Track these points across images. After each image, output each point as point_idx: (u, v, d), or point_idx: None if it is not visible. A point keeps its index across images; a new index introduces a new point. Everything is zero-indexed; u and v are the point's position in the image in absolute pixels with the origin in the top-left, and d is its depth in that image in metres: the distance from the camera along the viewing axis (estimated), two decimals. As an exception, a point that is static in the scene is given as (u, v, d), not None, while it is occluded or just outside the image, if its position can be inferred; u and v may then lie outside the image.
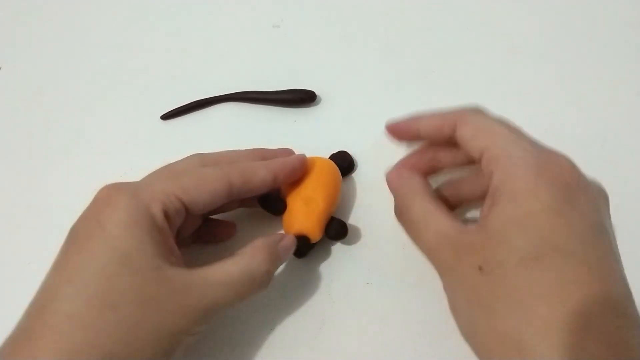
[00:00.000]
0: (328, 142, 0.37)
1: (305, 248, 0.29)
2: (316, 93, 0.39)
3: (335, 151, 0.35)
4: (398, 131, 0.29)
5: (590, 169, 0.35)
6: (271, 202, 0.30)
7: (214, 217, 0.32)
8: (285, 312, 0.30)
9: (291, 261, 0.31)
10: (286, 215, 0.30)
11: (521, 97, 0.39)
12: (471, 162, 0.28)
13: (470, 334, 0.22)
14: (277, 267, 0.27)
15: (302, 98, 0.38)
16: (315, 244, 0.30)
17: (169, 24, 0.46)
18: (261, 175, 0.27)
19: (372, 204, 0.34)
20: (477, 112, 0.26)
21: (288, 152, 0.32)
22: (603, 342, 0.19)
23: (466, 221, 0.29)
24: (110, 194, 0.24)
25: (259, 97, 0.39)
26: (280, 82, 0.39)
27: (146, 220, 0.23)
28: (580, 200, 0.21)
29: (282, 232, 0.30)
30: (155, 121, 0.39)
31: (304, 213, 0.29)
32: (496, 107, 0.38)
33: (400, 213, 0.27)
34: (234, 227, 0.32)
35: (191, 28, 0.45)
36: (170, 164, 0.28)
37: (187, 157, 0.29)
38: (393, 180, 0.28)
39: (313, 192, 0.29)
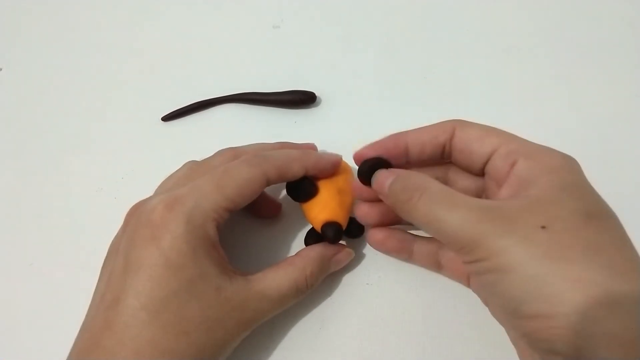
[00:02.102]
0: (328, 143, 0.37)
1: (338, 234, 0.28)
2: (316, 94, 0.39)
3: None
4: (386, 147, 0.27)
5: (590, 169, 0.35)
6: (304, 185, 0.29)
7: None
8: (285, 312, 0.30)
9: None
10: (317, 201, 0.29)
11: (521, 98, 0.39)
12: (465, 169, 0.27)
13: (535, 291, 0.20)
14: (323, 278, 0.29)
15: (302, 99, 0.39)
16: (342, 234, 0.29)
17: (169, 25, 0.46)
18: (295, 170, 0.28)
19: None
20: (468, 121, 0.26)
21: (312, 147, 0.33)
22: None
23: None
24: (167, 217, 0.24)
25: (259, 98, 0.39)
26: (281, 83, 0.40)
27: (204, 243, 0.24)
28: (584, 183, 0.23)
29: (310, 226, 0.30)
30: (156, 122, 0.39)
31: (338, 201, 0.29)
32: (496, 108, 0.39)
33: (414, 201, 0.23)
34: (280, 207, 0.33)
35: (191, 29, 0.45)
36: (204, 161, 0.29)
37: (222, 152, 0.30)
38: (388, 177, 0.25)
39: (345, 186, 0.29)
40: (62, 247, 0.34)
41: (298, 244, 0.32)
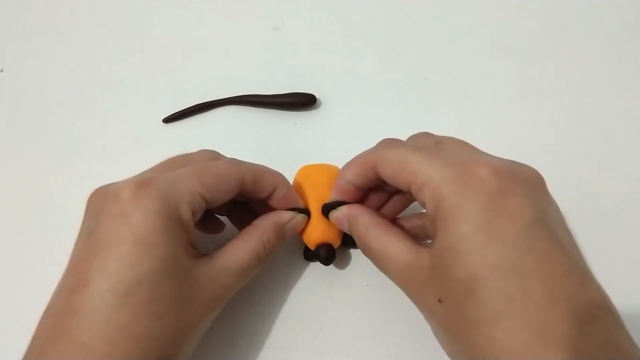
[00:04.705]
0: (328, 145, 0.37)
1: (332, 256, 0.29)
2: (316, 96, 0.39)
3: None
4: (347, 196, 0.28)
5: (590, 169, 0.35)
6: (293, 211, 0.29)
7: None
8: (285, 313, 0.30)
9: (292, 263, 0.32)
10: (307, 224, 0.29)
11: (521, 98, 0.39)
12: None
13: None
14: (281, 244, 0.28)
15: (302, 101, 0.39)
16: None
17: (170, 27, 0.46)
18: (268, 182, 0.27)
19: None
20: (391, 146, 0.26)
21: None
22: (567, 344, 0.18)
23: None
24: (137, 193, 0.22)
25: (260, 100, 0.39)
26: (281, 86, 0.40)
27: (177, 223, 0.23)
28: (509, 204, 0.21)
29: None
30: (157, 124, 0.40)
31: (326, 222, 0.29)
32: (496, 108, 0.39)
33: (365, 252, 0.26)
34: (224, 225, 0.32)
35: (192, 32, 0.46)
36: (186, 155, 0.28)
37: (205, 150, 0.29)
38: (342, 222, 0.28)
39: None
40: (63, 248, 0.34)
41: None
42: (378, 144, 0.27)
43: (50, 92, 0.43)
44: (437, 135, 0.27)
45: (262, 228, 0.27)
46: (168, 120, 0.40)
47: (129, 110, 0.41)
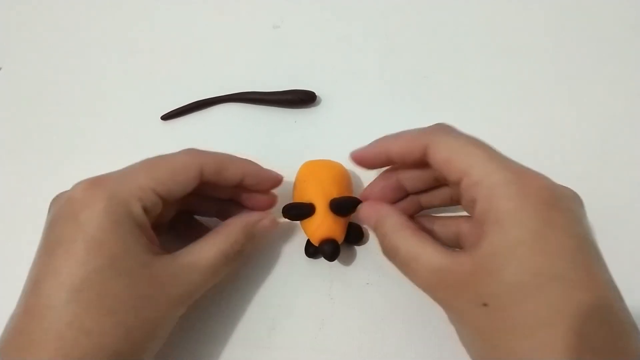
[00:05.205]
0: (328, 143, 0.37)
1: (337, 252, 0.29)
2: (316, 93, 0.39)
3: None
4: (366, 159, 0.27)
5: (590, 169, 0.35)
6: (299, 207, 0.29)
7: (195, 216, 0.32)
8: (285, 312, 0.30)
9: (292, 261, 0.32)
10: (312, 220, 0.29)
11: (521, 98, 0.39)
12: (440, 182, 0.27)
13: None
14: (251, 245, 0.28)
15: (302, 99, 0.38)
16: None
17: (169, 24, 0.46)
18: (232, 170, 0.27)
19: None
20: (447, 132, 0.25)
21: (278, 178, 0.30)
22: (601, 356, 0.19)
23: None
24: (87, 193, 0.23)
25: (259, 97, 0.39)
26: (281, 83, 0.40)
27: (127, 220, 0.23)
28: (561, 217, 0.21)
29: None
30: (155, 121, 0.39)
31: (332, 217, 0.29)
32: (496, 107, 0.39)
33: (389, 254, 0.26)
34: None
35: (191, 28, 0.45)
36: (166, 155, 0.28)
37: (186, 150, 0.28)
38: (370, 218, 0.27)
39: (339, 194, 0.29)
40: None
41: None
42: (430, 126, 0.26)
43: (49, 89, 0.42)
44: None
45: (231, 227, 0.27)
46: (167, 117, 0.39)
47: (128, 107, 0.41)
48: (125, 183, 0.24)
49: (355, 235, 0.31)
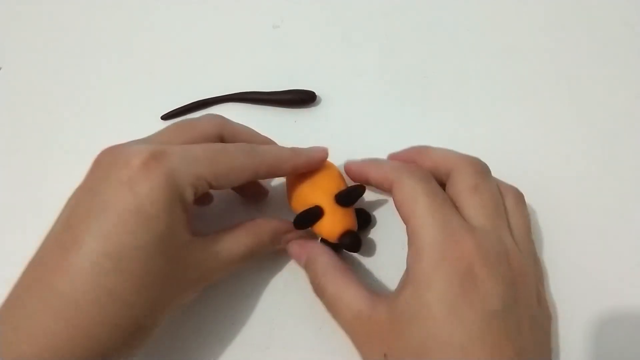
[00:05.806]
0: (328, 143, 0.37)
1: (358, 241, 0.28)
2: (316, 93, 0.39)
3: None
4: (352, 173, 0.30)
5: (590, 169, 0.35)
6: (308, 213, 0.28)
7: None
8: (285, 312, 0.30)
9: (292, 261, 0.31)
10: (325, 220, 0.28)
11: (521, 98, 0.39)
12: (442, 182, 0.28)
13: None
14: (270, 250, 0.29)
15: (302, 98, 0.38)
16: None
17: (168, 24, 0.46)
18: (284, 169, 0.28)
19: (371, 205, 0.34)
20: (410, 174, 0.26)
21: (324, 151, 0.31)
22: None
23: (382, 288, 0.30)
24: (147, 166, 0.22)
25: (259, 97, 0.39)
26: (280, 83, 0.40)
27: (179, 202, 0.23)
28: (478, 289, 0.22)
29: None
30: (155, 121, 0.39)
31: (342, 211, 0.28)
32: (496, 107, 0.39)
33: (317, 293, 0.27)
34: (267, 193, 0.34)
35: (191, 28, 0.45)
36: (192, 121, 0.28)
37: (211, 119, 0.28)
38: (300, 256, 0.28)
39: (339, 189, 0.29)
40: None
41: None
42: (401, 165, 0.27)
43: (49, 89, 0.42)
44: (499, 185, 0.28)
45: (262, 228, 0.28)
46: (167, 117, 0.39)
47: (127, 107, 0.41)
48: (186, 166, 0.23)
49: (364, 220, 0.31)
